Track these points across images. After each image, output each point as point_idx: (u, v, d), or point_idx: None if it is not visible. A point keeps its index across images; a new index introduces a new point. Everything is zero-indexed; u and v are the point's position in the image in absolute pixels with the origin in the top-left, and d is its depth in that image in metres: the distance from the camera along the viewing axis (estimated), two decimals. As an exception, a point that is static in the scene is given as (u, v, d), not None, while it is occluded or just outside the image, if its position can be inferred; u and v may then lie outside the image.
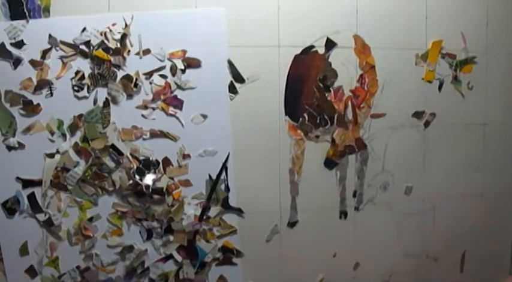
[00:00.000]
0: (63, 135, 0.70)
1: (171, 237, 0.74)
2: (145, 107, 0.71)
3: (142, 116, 0.71)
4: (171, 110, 0.72)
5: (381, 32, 0.77)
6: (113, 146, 0.70)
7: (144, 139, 0.72)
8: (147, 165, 0.71)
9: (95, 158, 0.70)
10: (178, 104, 0.72)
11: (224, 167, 0.75)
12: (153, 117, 0.71)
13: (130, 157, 0.71)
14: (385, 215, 0.81)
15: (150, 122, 0.71)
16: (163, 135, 0.72)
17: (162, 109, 0.71)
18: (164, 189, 0.73)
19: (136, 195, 0.72)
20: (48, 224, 0.70)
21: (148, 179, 0.71)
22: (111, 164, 0.70)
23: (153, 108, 0.72)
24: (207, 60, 0.71)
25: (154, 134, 0.72)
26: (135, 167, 0.71)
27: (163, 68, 0.71)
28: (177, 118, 0.72)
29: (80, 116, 0.69)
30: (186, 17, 0.70)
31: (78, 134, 0.70)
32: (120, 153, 0.70)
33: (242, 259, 0.76)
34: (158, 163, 0.72)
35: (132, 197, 0.72)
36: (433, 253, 0.85)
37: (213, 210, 0.76)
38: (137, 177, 0.71)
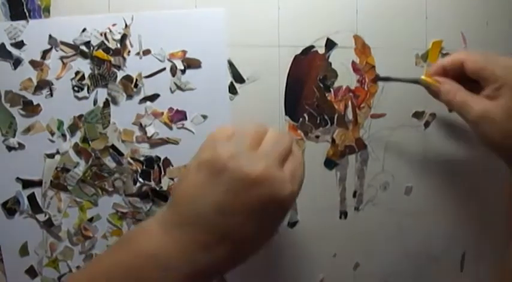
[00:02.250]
0: (63, 136, 0.69)
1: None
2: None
3: (143, 116, 0.71)
4: (179, 124, 0.70)
5: (381, 32, 0.77)
6: (113, 147, 0.70)
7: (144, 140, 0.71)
8: (151, 164, 0.71)
9: (95, 159, 0.70)
10: (181, 116, 0.71)
11: (224, 167, 0.75)
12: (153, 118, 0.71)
13: (132, 161, 0.70)
14: (385, 215, 0.81)
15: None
16: (164, 141, 0.71)
17: (166, 124, 0.70)
18: (165, 190, 0.73)
19: (138, 197, 0.71)
20: (48, 225, 0.69)
21: None
22: (112, 165, 0.70)
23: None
24: (207, 60, 0.71)
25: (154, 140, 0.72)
26: (139, 170, 0.70)
27: (163, 69, 0.70)
28: (186, 128, 0.70)
29: (80, 116, 0.69)
30: (186, 17, 0.69)
31: (78, 135, 0.69)
32: (121, 154, 0.70)
33: (242, 259, 0.76)
34: (159, 158, 0.71)
35: (133, 198, 0.72)
36: (433, 253, 0.84)
37: (213, 211, 0.75)
38: (141, 180, 0.70)
